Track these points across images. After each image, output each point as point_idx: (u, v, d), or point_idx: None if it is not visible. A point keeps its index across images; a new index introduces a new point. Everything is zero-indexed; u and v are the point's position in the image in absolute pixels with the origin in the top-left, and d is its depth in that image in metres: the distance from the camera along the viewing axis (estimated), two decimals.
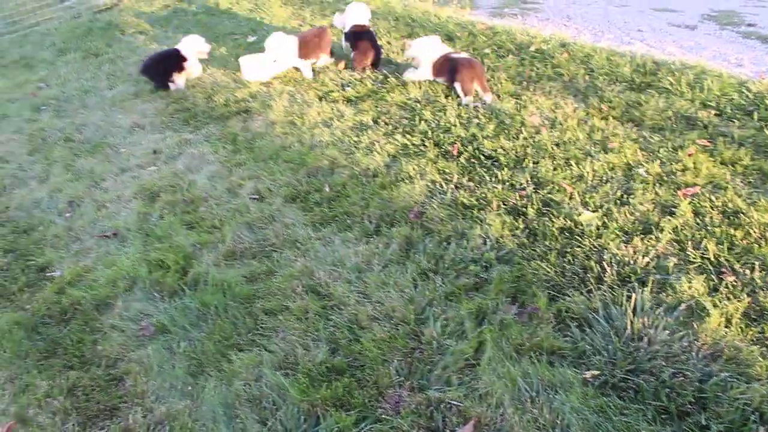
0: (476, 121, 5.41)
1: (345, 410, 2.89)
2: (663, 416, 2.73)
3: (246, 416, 2.94)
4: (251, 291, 3.71)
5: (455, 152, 4.94)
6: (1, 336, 3.70)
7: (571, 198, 4.15)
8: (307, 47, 7.01)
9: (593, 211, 3.99)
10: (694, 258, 3.52)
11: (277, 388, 3.05)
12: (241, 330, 3.45)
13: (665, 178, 4.26)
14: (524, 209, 4.10)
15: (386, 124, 5.62)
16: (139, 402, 3.16)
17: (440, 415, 2.84)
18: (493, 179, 4.50)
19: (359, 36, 6.88)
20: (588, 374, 2.96)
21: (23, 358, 3.54)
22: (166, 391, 3.18)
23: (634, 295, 3.27)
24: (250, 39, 8.60)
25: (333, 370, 3.11)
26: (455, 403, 2.89)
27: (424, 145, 5.12)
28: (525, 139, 5.01)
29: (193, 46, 7.29)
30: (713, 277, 3.38)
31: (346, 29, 7.07)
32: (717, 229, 3.70)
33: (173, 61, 7.26)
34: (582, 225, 3.87)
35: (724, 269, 3.42)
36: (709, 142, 4.68)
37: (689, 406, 2.75)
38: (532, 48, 7.02)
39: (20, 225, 4.97)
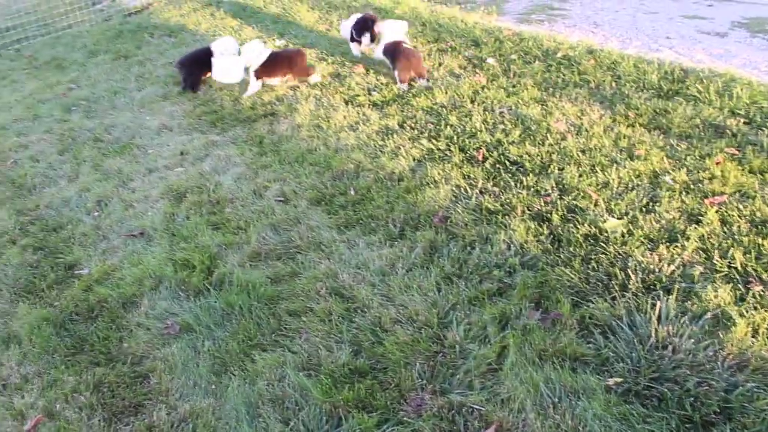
0: (502, 126, 5.41)
1: (367, 412, 2.91)
2: (687, 425, 2.70)
3: (269, 415, 2.96)
4: (275, 292, 3.74)
5: (480, 157, 4.94)
6: (30, 332, 3.77)
7: (596, 205, 4.13)
8: (274, 65, 7.04)
9: (618, 218, 3.97)
10: (720, 267, 3.48)
11: (299, 389, 3.07)
12: (264, 330, 3.48)
13: (692, 186, 4.23)
14: (549, 215, 4.09)
15: (412, 128, 5.63)
16: (164, 399, 3.20)
17: (462, 419, 2.84)
18: (518, 185, 4.49)
19: (400, 50, 6.83)
20: (611, 381, 2.94)
21: (51, 353, 3.60)
22: (190, 390, 3.22)
23: (658, 303, 3.25)
24: (278, 43, 8.66)
25: (356, 371, 3.12)
26: (477, 407, 2.89)
27: (449, 150, 5.12)
28: (550, 145, 4.99)
29: (224, 48, 7.35)
30: (740, 286, 3.35)
31: (383, 42, 7.02)
32: (744, 238, 3.66)
33: (206, 60, 7.33)
34: (607, 232, 3.85)
35: (751, 279, 3.39)
36: (737, 150, 4.63)
37: (714, 416, 2.71)
38: (559, 54, 7.00)
39: (49, 223, 5.05)
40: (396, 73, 6.67)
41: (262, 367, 3.23)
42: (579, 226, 3.93)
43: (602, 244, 3.77)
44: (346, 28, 7.60)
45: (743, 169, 4.37)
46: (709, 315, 3.17)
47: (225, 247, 4.26)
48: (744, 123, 5.07)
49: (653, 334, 3.10)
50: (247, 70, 7.02)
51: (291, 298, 3.68)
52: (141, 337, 3.62)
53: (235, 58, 7.16)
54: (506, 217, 4.13)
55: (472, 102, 6.01)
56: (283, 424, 2.91)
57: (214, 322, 3.59)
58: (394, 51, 6.72)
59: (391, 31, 6.97)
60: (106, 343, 3.62)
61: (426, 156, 5.10)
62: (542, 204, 4.22)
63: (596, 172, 4.52)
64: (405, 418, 2.87)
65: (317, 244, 4.14)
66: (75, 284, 4.18)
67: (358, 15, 7.46)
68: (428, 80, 6.64)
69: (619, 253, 3.68)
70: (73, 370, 3.46)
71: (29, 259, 4.58)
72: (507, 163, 4.81)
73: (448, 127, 5.52)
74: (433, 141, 5.31)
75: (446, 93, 6.28)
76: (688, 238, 3.72)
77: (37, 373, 3.49)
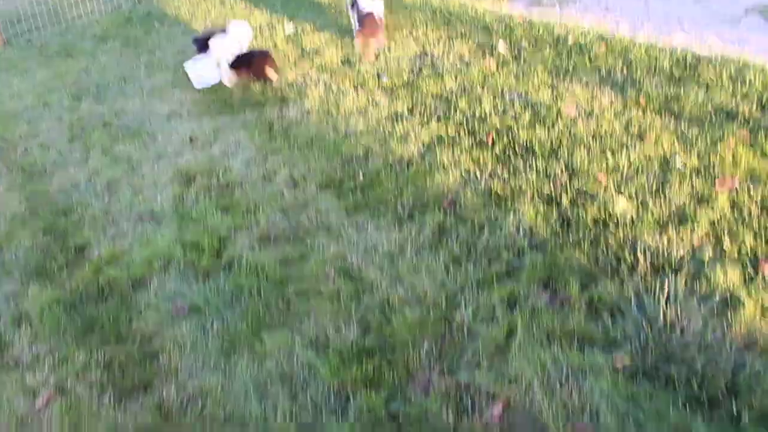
0: (511, 112, 5.38)
1: (375, 390, 2.92)
2: (694, 404, 2.71)
3: (277, 393, 2.99)
4: (284, 274, 3.75)
5: (490, 142, 4.93)
6: (41, 312, 3.80)
7: (605, 188, 4.11)
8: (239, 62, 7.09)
9: (628, 202, 3.95)
10: (730, 250, 3.46)
11: (308, 367, 3.09)
12: (273, 312, 3.49)
13: (702, 171, 4.20)
14: (558, 198, 4.08)
15: (421, 113, 5.61)
16: (173, 378, 3.22)
17: (469, 397, 2.85)
18: (528, 169, 4.48)
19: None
20: (618, 361, 2.94)
21: (62, 333, 3.64)
22: (199, 368, 3.24)
23: (667, 285, 3.24)
24: (288, 28, 8.62)
25: (364, 351, 3.14)
26: (485, 386, 2.90)
27: (459, 135, 5.11)
28: (561, 129, 4.97)
29: (238, 33, 7.35)
30: (750, 269, 3.33)
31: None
32: (755, 222, 3.64)
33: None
34: (616, 215, 3.84)
35: (761, 261, 3.37)
36: (749, 135, 4.59)
37: (721, 395, 2.72)
38: (570, 40, 6.96)
39: (60, 207, 5.08)
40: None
41: (271, 346, 3.25)
42: (588, 209, 3.92)
43: (611, 227, 3.75)
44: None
45: (755, 154, 4.33)
46: (717, 296, 3.16)
47: (234, 229, 4.28)
48: (757, 108, 5.03)
49: (661, 315, 3.10)
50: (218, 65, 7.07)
51: (300, 280, 3.69)
52: (150, 318, 3.64)
53: (207, 61, 7.17)
54: (515, 200, 4.12)
55: (482, 87, 5.98)
56: (292, 401, 2.93)
57: (223, 303, 3.61)
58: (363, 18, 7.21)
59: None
60: (116, 323, 3.64)
61: (435, 140, 5.09)
62: (552, 187, 4.21)
63: (606, 156, 4.49)
64: (412, 397, 2.88)
65: (326, 227, 4.15)
66: (85, 266, 4.21)
67: None
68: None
69: (629, 236, 3.67)
70: (83, 349, 3.49)
71: (40, 242, 4.61)
72: (517, 147, 4.80)
73: (458, 112, 5.51)
74: (443, 126, 5.29)
75: (456, 79, 6.25)
76: (698, 222, 3.70)
77: (48, 352, 3.52)
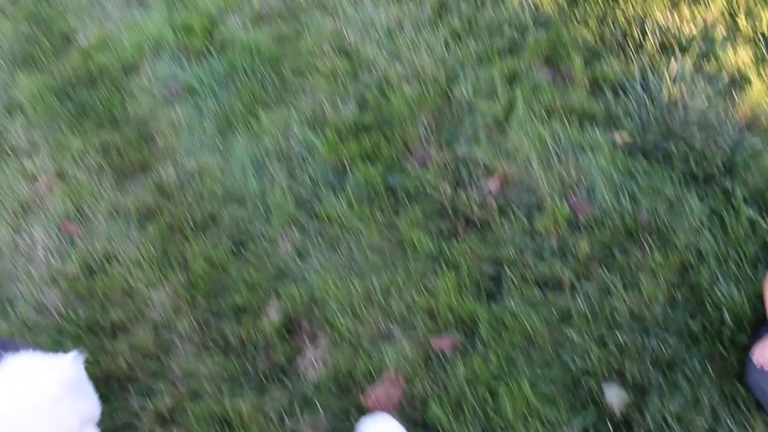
0: None
1: (372, 164, 2.91)
2: (689, 180, 2.73)
3: (275, 169, 2.99)
4: (279, 52, 3.62)
5: None
6: (33, 100, 3.71)
7: None
8: None
9: None
10: (744, 28, 3.30)
11: (305, 144, 3.07)
12: (269, 89, 3.41)
13: None
14: None
15: None
16: (171, 158, 3.22)
17: (466, 170, 2.86)
18: None
19: None
20: (618, 137, 2.92)
21: (55, 119, 3.57)
22: (197, 148, 3.23)
23: (674, 63, 3.13)
24: None
25: (361, 127, 3.10)
26: (482, 160, 2.88)
27: None
28: None
29: None
30: (763, 48, 3.19)
31: None
32: None
33: None
34: None
35: None
36: None
37: (717, 172, 2.73)
38: None
39: None
40: None
41: (268, 124, 3.21)
42: None
43: (621, 2, 3.56)
44: None
45: None
46: (725, 76, 3.07)
47: (225, 9, 4.07)
48: None
49: (665, 94, 3.04)
50: None
51: (295, 58, 3.57)
52: (145, 101, 3.57)
53: None
54: None
55: None
56: (289, 177, 2.94)
57: (217, 84, 3.52)
58: None
59: None
60: (110, 108, 3.57)
61: None
62: None
63: None
64: (410, 170, 2.88)
65: (321, 4, 3.93)
66: (73, 53, 4.05)
67: None
68: None
69: (638, 13, 3.49)
70: (79, 135, 3.45)
71: (24, 31, 4.41)
72: None
73: None
74: None
75: None
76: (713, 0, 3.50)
77: (43, 138, 3.48)
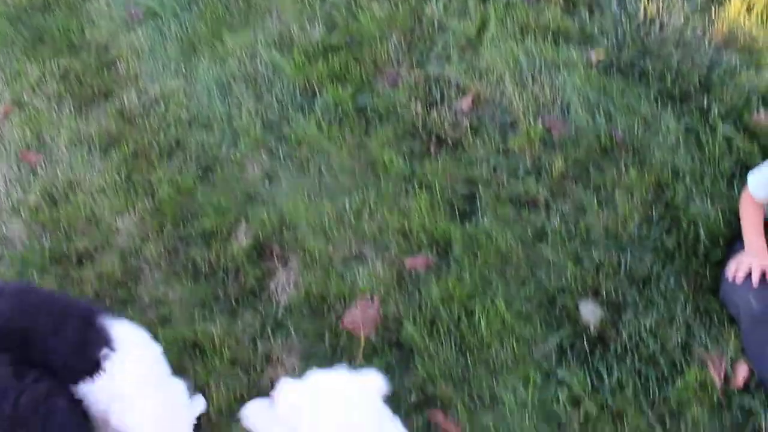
0: None
1: (342, 85, 2.84)
2: (665, 98, 2.70)
3: (241, 92, 2.91)
4: None
5: None
6: None
7: None
8: None
9: None
10: None
11: (272, 66, 2.98)
12: (233, 11, 3.30)
13: None
14: None
15: None
16: (133, 84, 3.11)
17: (438, 89, 2.79)
18: None
19: None
20: (593, 55, 2.86)
21: (10, 46, 3.42)
22: (160, 73, 3.13)
23: None
24: None
25: (330, 48, 3.01)
26: (454, 79, 2.82)
27: None
28: None
29: None
30: None
31: None
32: None
33: None
34: None
35: None
36: None
37: (693, 90, 2.70)
38: None
39: None
40: None
41: (233, 47, 3.11)
42: None
43: None
44: None
45: None
46: None
47: None
48: None
49: (642, 11, 2.99)
50: None
51: None
52: (104, 26, 3.43)
53: None
54: None
55: None
56: (256, 100, 2.86)
57: (179, 6, 3.38)
58: None
59: None
60: (68, 34, 3.43)
61: None
62: None
63: None
64: (380, 90, 2.81)
65: None
66: None
67: None
68: None
69: None
70: (36, 62, 3.31)
71: None
72: None
73: None
74: None
75: None
76: None
77: None
